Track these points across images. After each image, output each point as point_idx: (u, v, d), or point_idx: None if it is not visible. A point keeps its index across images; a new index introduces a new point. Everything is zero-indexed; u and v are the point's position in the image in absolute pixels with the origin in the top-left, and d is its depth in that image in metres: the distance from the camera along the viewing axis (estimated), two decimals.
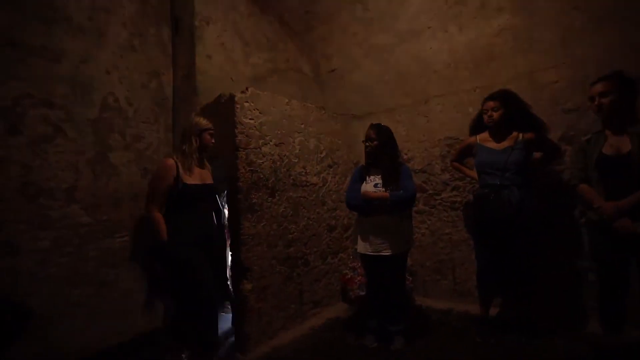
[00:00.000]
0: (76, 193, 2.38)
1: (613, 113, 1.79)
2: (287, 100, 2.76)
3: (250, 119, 2.45)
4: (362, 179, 2.31)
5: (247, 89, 2.46)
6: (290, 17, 3.35)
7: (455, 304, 2.79)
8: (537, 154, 2.21)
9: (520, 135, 2.13)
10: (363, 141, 2.35)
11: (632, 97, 1.77)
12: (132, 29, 2.78)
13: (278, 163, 2.61)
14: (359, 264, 3.03)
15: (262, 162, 2.50)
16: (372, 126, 2.35)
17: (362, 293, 2.88)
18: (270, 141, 2.57)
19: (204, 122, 2.14)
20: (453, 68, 2.86)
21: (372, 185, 2.24)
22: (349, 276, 3.00)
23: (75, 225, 2.36)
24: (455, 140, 2.87)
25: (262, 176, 2.48)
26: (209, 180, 2.17)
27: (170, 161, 2.02)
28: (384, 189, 2.18)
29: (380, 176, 2.24)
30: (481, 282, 2.26)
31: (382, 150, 2.25)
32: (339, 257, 3.11)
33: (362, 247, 2.28)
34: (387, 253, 2.17)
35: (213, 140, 2.18)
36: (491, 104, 2.16)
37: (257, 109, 2.51)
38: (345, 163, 3.27)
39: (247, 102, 2.43)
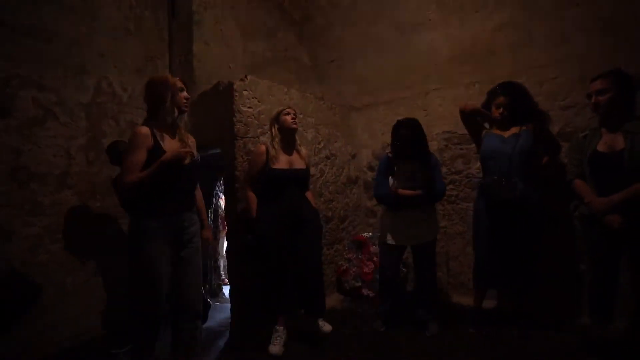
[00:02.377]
0: (68, 179, 2.33)
1: (610, 111, 1.80)
2: (285, 90, 2.72)
3: (248, 107, 2.41)
4: (391, 172, 2.25)
5: (246, 76, 2.42)
6: (290, 5, 3.29)
7: (449, 295, 2.84)
8: (545, 159, 2.21)
9: (524, 126, 2.15)
10: (394, 142, 2.28)
11: (630, 95, 1.79)
12: (127, 11, 2.70)
13: None
14: (354, 255, 3.05)
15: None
16: (402, 125, 2.25)
17: (358, 284, 2.91)
18: (269, 130, 2.54)
19: (279, 108, 2.22)
20: (453, 61, 2.85)
21: (402, 180, 2.20)
22: (344, 267, 3.02)
23: (67, 211, 2.31)
24: (453, 134, 2.88)
25: None
26: (299, 165, 2.20)
27: (262, 147, 2.14)
28: (414, 185, 2.16)
29: (409, 170, 2.19)
30: (478, 272, 2.28)
31: (414, 146, 2.21)
32: (335, 249, 3.12)
33: (389, 237, 2.28)
34: (414, 243, 2.23)
35: (292, 120, 2.15)
36: (503, 100, 2.15)
37: (256, 98, 2.47)
38: (342, 155, 3.26)
39: (245, 90, 2.39)
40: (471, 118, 2.28)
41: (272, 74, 3.20)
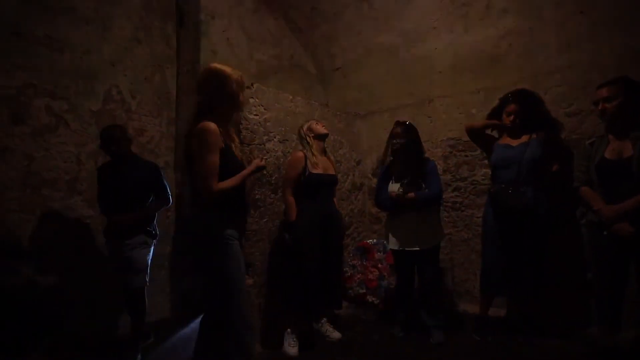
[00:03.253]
0: (77, 184, 2.37)
1: (616, 118, 1.80)
2: (291, 97, 2.76)
3: (255, 114, 2.45)
4: (389, 179, 2.36)
5: (252, 84, 2.46)
6: (295, 14, 3.35)
7: (454, 303, 2.82)
8: (554, 167, 2.20)
9: (534, 134, 2.15)
10: (388, 139, 2.40)
11: (637, 102, 1.78)
12: (137, 21, 2.76)
13: (281, 159, 2.61)
14: (359, 262, 3.05)
15: (266, 158, 2.50)
16: (398, 124, 2.38)
17: (362, 291, 2.90)
18: (274, 137, 2.57)
19: (310, 120, 2.45)
20: (457, 69, 2.87)
21: (398, 185, 2.28)
22: (349, 274, 3.01)
23: (77, 217, 2.35)
24: (457, 141, 2.88)
25: (265, 172, 2.48)
26: (331, 171, 2.42)
27: (300, 154, 2.31)
28: (410, 188, 2.23)
29: (405, 175, 2.27)
30: (485, 279, 2.27)
31: (409, 149, 2.29)
32: None
33: (393, 243, 2.36)
34: (417, 248, 2.25)
35: (323, 126, 2.41)
36: (514, 107, 2.16)
37: (262, 105, 2.50)
38: (347, 161, 3.28)
39: (252, 97, 2.43)
40: (479, 134, 2.32)
41: (277, 82, 3.25)
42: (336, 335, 2.36)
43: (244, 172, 1.51)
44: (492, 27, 2.63)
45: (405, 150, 2.29)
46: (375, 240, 3.15)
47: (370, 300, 2.86)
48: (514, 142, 2.19)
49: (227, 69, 1.56)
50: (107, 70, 2.56)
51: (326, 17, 3.25)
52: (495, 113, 2.29)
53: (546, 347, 2.06)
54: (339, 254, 2.48)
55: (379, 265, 2.91)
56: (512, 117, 2.17)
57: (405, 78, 3.14)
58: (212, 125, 1.45)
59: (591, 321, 2.15)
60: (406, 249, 2.28)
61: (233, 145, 1.58)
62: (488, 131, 2.36)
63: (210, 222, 1.50)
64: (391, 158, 2.39)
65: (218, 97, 1.52)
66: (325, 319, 2.43)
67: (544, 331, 2.18)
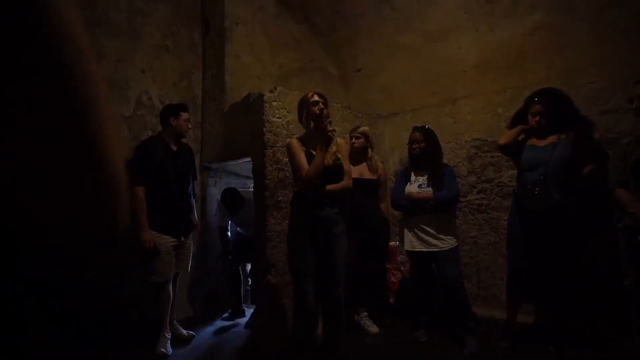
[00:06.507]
0: None
1: None
2: None
3: (278, 117, 2.49)
4: (407, 180, 2.38)
5: (275, 88, 2.51)
6: (317, 18, 3.39)
7: (479, 308, 2.73)
8: (587, 168, 2.08)
9: (563, 135, 2.06)
10: (408, 144, 2.41)
11: None
12: (166, 30, 2.89)
13: None
14: None
15: (289, 161, 2.54)
16: (417, 129, 2.38)
17: None
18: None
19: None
20: (483, 68, 2.81)
21: (416, 185, 2.31)
22: None
23: None
24: (483, 142, 2.81)
25: (288, 174, 2.52)
26: (366, 174, 2.59)
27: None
28: (428, 190, 2.25)
29: (423, 177, 2.32)
30: (511, 284, 2.20)
31: (428, 152, 2.31)
32: None
33: (408, 244, 2.36)
34: (433, 249, 2.24)
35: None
36: (539, 108, 2.08)
37: (285, 108, 2.55)
38: None
39: (275, 101, 2.48)
40: (513, 144, 2.20)
41: (299, 85, 3.29)
42: (374, 329, 2.44)
43: (317, 153, 1.81)
44: (519, 23, 2.55)
45: (424, 155, 2.31)
46: (397, 242, 3.11)
47: (392, 302, 2.83)
48: (541, 143, 2.11)
49: (304, 95, 1.96)
50: (138, 77, 2.69)
51: (347, 20, 3.27)
52: (521, 114, 2.21)
53: (580, 359, 1.97)
54: (380, 252, 2.63)
55: (402, 268, 2.88)
56: (537, 118, 2.09)
57: (428, 78, 3.10)
58: (291, 141, 1.96)
59: (631, 332, 2.04)
60: (422, 250, 2.26)
61: (318, 150, 1.87)
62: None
63: (291, 215, 2.00)
64: (410, 163, 2.42)
65: (299, 118, 2.02)
66: (365, 312, 2.52)
67: (577, 341, 2.08)
